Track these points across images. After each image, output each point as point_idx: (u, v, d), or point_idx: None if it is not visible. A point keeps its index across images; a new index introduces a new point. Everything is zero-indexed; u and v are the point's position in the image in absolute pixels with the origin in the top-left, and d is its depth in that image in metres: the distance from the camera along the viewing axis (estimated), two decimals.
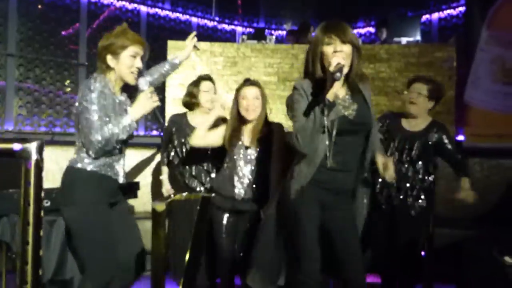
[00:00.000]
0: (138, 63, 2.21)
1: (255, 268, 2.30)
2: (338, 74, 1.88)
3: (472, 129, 5.54)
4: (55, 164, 4.09)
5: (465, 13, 6.29)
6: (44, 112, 5.99)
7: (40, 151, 1.02)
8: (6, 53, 5.60)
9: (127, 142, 2.25)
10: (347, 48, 1.98)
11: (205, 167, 3.12)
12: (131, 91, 2.32)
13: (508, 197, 4.13)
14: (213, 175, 3.10)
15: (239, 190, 2.68)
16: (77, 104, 2.14)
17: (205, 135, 2.70)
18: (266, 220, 2.36)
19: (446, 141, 2.91)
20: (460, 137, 5.57)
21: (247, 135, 2.75)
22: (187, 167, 3.14)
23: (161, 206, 1.56)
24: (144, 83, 2.18)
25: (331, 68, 1.92)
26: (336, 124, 2.00)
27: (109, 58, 2.17)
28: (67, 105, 6.17)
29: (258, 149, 2.73)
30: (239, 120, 2.74)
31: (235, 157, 2.72)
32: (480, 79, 5.53)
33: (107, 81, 2.17)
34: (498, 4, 5.49)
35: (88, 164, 2.11)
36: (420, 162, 2.88)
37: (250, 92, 2.73)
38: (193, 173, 3.11)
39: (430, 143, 2.89)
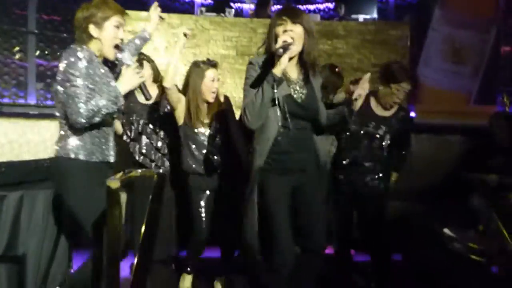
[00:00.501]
0: (121, 34, 2.15)
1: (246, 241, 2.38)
2: (280, 50, 1.96)
3: (422, 106, 5.77)
4: (3, 137, 3.96)
5: None
6: None
7: None
8: None
9: (113, 116, 2.19)
10: (297, 29, 2.07)
11: (155, 145, 3.16)
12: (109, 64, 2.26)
13: (454, 172, 4.35)
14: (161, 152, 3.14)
15: (210, 167, 2.76)
16: (60, 74, 2.06)
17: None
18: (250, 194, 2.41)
19: (403, 131, 2.91)
20: (412, 114, 5.80)
21: (207, 113, 2.80)
22: (137, 145, 3.16)
23: (115, 183, 1.57)
24: (128, 57, 2.13)
25: (277, 45, 2.00)
26: (285, 103, 2.07)
27: (92, 28, 2.11)
28: (15, 75, 5.89)
29: (218, 125, 2.79)
30: (202, 100, 2.78)
31: (200, 136, 2.77)
32: (431, 58, 5.74)
33: (91, 51, 2.12)
34: None
35: (78, 152, 2.11)
36: (386, 147, 2.87)
37: (214, 73, 2.79)
38: (143, 151, 3.14)
39: (396, 128, 2.88)
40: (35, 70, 5.96)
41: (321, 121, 2.21)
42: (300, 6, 7.65)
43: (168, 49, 5.28)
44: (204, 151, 2.77)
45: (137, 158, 3.17)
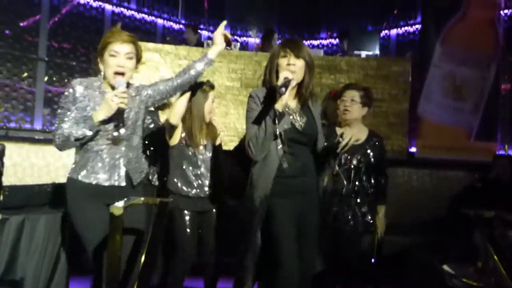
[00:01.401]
0: (121, 61, 2.12)
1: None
2: (283, 89, 2.04)
3: (423, 141, 5.80)
4: (7, 160, 4.00)
5: (421, 31, 6.58)
6: None
7: (0, 155, 1.03)
8: None
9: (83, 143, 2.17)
10: (299, 63, 2.17)
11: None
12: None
13: (454, 208, 4.35)
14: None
15: (200, 189, 2.76)
16: None
17: (181, 111, 2.70)
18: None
19: (379, 158, 2.88)
20: (413, 149, 5.83)
21: (204, 136, 2.83)
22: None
23: (118, 210, 1.59)
24: (121, 82, 2.10)
25: (279, 82, 2.09)
26: (286, 131, 2.16)
27: (99, 62, 2.19)
28: (23, 100, 6.00)
29: (212, 148, 2.83)
30: (202, 121, 2.82)
31: (198, 157, 2.78)
32: (432, 94, 5.81)
33: (93, 80, 2.19)
34: (451, 22, 5.79)
35: (75, 172, 2.18)
36: (364, 177, 2.84)
37: (213, 96, 2.86)
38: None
39: (371, 155, 2.84)
40: (43, 96, 6.08)
41: (318, 147, 2.31)
42: (304, 42, 7.83)
43: None
44: (198, 172, 2.78)
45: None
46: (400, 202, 4.57)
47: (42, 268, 2.90)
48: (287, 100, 2.15)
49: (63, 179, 2.37)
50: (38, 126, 5.94)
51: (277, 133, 2.11)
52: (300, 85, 2.23)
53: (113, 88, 2.16)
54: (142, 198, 1.89)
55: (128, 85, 2.24)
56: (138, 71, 2.31)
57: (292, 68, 2.15)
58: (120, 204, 1.62)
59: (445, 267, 2.41)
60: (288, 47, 2.19)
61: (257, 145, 2.11)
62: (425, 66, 5.88)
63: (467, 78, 5.61)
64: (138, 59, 2.24)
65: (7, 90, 5.87)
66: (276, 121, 2.08)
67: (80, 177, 2.14)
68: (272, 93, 2.15)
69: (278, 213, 2.17)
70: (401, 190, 4.74)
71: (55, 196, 3.15)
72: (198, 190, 2.77)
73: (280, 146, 2.15)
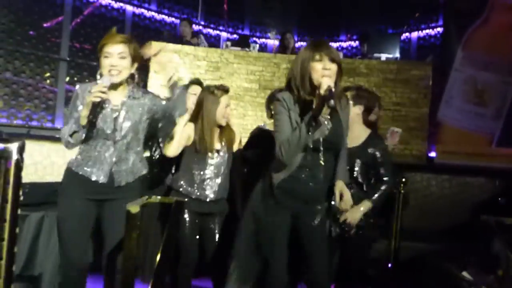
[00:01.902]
0: (114, 61, 2.22)
1: (232, 269, 2.39)
2: (331, 102, 1.94)
3: (443, 146, 5.72)
4: (29, 158, 4.08)
5: (443, 34, 6.49)
6: (22, 105, 5.92)
7: (20, 151, 1.06)
8: None
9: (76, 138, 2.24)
10: (334, 67, 2.08)
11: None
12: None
13: (474, 215, 4.27)
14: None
15: (209, 192, 2.75)
16: None
17: (179, 145, 2.70)
18: (245, 221, 2.43)
19: (378, 161, 2.72)
20: (432, 154, 5.74)
21: (217, 139, 2.82)
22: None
23: (135, 208, 1.60)
24: (104, 79, 2.18)
25: (322, 91, 1.98)
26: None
27: (100, 66, 2.29)
28: (45, 99, 6.12)
29: (226, 152, 2.81)
30: (216, 125, 2.80)
31: (207, 160, 2.76)
32: (453, 98, 5.71)
33: (94, 84, 2.26)
34: (473, 26, 5.70)
35: (71, 162, 2.31)
36: (364, 181, 2.73)
37: (227, 100, 2.82)
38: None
39: (370, 158, 2.71)
40: (64, 96, 6.18)
41: (341, 153, 2.24)
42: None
43: None
44: (205, 176, 2.77)
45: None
46: (419, 208, 4.51)
47: (59, 265, 2.93)
48: (314, 105, 2.07)
49: None
50: (59, 125, 6.04)
51: (311, 142, 2.07)
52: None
53: (113, 87, 2.26)
54: (159, 197, 1.90)
55: (131, 90, 2.34)
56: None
57: (327, 73, 2.05)
58: (136, 202, 1.63)
59: (465, 274, 2.36)
60: (322, 50, 2.08)
61: (290, 150, 2.06)
62: (446, 70, 5.80)
63: (489, 83, 5.51)
64: (134, 59, 2.29)
65: (30, 90, 6.00)
66: (311, 130, 2.03)
67: (73, 167, 2.28)
68: (301, 99, 2.10)
69: (275, 216, 2.18)
70: (419, 195, 4.67)
71: None
72: (201, 193, 2.74)
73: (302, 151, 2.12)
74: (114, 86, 2.25)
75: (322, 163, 2.14)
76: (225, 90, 2.82)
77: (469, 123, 5.61)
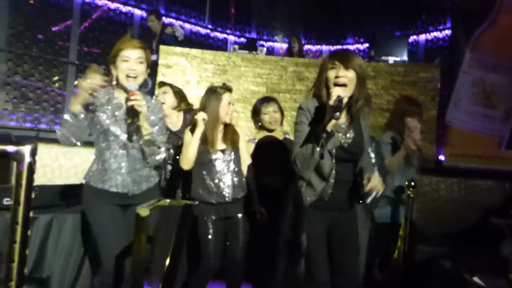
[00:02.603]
0: (133, 66, 2.24)
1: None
2: (337, 114, 1.89)
3: (452, 149, 5.67)
4: (38, 161, 4.09)
5: (451, 36, 6.46)
6: (30, 108, 5.96)
7: (33, 154, 1.06)
8: None
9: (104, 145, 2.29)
10: (350, 74, 2.03)
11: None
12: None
13: (483, 218, 4.24)
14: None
15: (220, 196, 2.75)
16: None
17: (194, 155, 2.72)
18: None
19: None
20: (441, 157, 5.70)
21: (221, 139, 2.81)
22: (162, 171, 3.19)
23: (145, 211, 1.61)
24: (133, 85, 2.21)
25: (331, 102, 1.94)
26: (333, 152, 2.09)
27: (112, 69, 2.29)
28: (54, 102, 6.16)
29: (231, 152, 2.80)
30: (219, 122, 2.80)
31: (212, 164, 2.76)
32: (462, 101, 5.68)
33: (106, 92, 2.28)
34: (481, 28, 5.66)
35: (88, 177, 2.31)
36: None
37: (230, 97, 2.82)
38: (167, 177, 3.16)
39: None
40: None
41: (361, 161, 2.21)
42: (330, 47, 7.80)
43: (200, 83, 5.43)
44: (216, 179, 2.76)
45: (161, 184, 3.18)
46: (427, 211, 4.48)
47: (68, 267, 2.93)
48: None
49: None
50: None
51: (324, 152, 2.04)
52: (350, 98, 2.07)
53: (126, 91, 2.26)
54: (168, 200, 1.91)
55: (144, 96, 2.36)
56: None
57: (341, 81, 2.01)
58: (146, 205, 1.64)
59: (476, 279, 2.34)
60: (336, 58, 2.05)
61: (304, 164, 2.04)
62: (454, 72, 5.77)
63: (498, 84, 5.47)
64: (148, 65, 2.33)
65: (39, 93, 6.05)
66: (324, 142, 1.98)
67: (90, 182, 2.29)
68: (322, 109, 2.05)
69: (313, 226, 2.17)
70: (428, 198, 4.64)
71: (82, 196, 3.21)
72: (219, 197, 2.75)
73: (327, 163, 2.11)
74: (128, 91, 2.25)
75: (344, 173, 2.14)
76: (227, 88, 2.84)
77: (478, 126, 5.56)
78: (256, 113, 3.23)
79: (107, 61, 2.34)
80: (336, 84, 2.02)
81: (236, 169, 2.81)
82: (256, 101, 3.30)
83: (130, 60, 2.24)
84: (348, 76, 2.02)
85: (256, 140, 3.17)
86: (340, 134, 2.10)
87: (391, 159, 3.00)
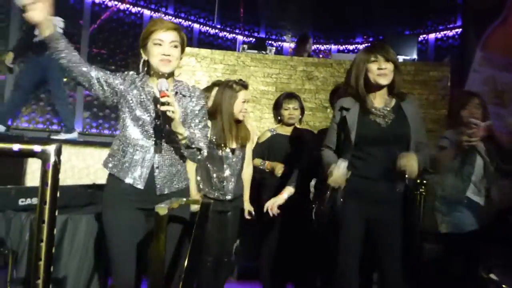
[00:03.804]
0: (166, 50, 1.98)
1: None
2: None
3: None
4: None
5: (461, 35, 6.42)
6: (42, 109, 6.01)
7: (58, 153, 1.08)
8: (7, 49, 5.62)
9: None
10: (390, 66, 2.22)
11: None
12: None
13: (496, 215, 4.19)
14: None
15: (227, 192, 2.77)
16: None
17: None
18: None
19: None
20: None
21: (234, 138, 2.81)
22: None
23: (163, 210, 1.61)
24: (164, 84, 1.91)
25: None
26: (367, 128, 2.21)
27: (142, 53, 2.06)
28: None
29: (240, 151, 2.82)
30: (233, 120, 2.80)
31: (224, 160, 2.77)
32: None
33: (135, 77, 2.07)
34: (492, 26, 5.62)
35: (111, 166, 2.07)
36: None
37: (245, 95, 2.81)
38: None
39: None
40: (83, 100, 6.25)
41: (411, 148, 2.22)
42: (339, 46, 7.78)
43: (209, 83, 5.44)
44: (222, 176, 2.76)
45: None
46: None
47: (83, 267, 2.96)
48: (374, 100, 2.25)
49: (101, 181, 2.39)
50: (78, 129, 6.11)
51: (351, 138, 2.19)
52: (390, 86, 2.27)
53: (160, 78, 2.02)
54: (184, 199, 1.91)
55: (177, 84, 2.13)
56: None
57: (384, 72, 2.20)
58: (164, 204, 1.65)
59: (492, 276, 2.33)
60: (377, 51, 2.23)
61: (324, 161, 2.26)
62: (464, 71, 5.73)
63: (509, 83, 5.42)
64: (183, 49, 2.08)
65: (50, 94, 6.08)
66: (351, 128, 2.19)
67: (113, 171, 2.05)
68: (361, 99, 2.25)
69: (346, 215, 2.22)
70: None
71: (95, 196, 3.23)
72: (219, 194, 2.76)
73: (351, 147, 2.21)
74: (163, 77, 2.00)
75: (387, 158, 2.18)
76: (243, 85, 2.83)
77: None
78: (277, 107, 3.29)
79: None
80: (379, 75, 2.22)
81: (241, 169, 2.84)
82: (280, 96, 3.36)
83: (164, 44, 1.98)
84: (388, 67, 2.21)
85: (275, 132, 3.24)
86: (376, 116, 2.24)
87: (438, 153, 2.79)
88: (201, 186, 2.78)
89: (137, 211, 2.03)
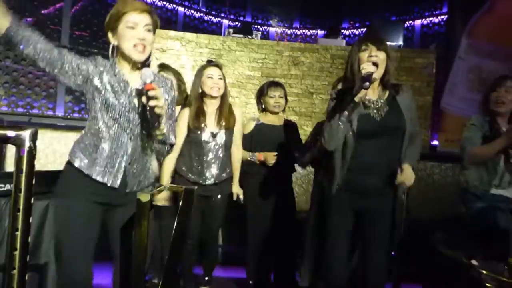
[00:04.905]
0: (140, 34, 1.80)
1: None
2: (367, 84, 2.00)
3: (446, 135, 5.70)
4: None
5: (447, 21, 6.43)
6: (22, 93, 5.87)
7: (33, 138, 1.03)
8: None
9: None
10: (381, 55, 2.14)
11: None
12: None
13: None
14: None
15: (208, 176, 2.74)
16: None
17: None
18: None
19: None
20: (434, 142, 5.73)
21: (212, 119, 2.78)
22: None
23: (145, 196, 1.58)
24: (148, 75, 1.73)
25: (362, 72, 2.05)
26: (361, 122, 2.14)
27: (110, 36, 1.85)
28: (46, 87, 6.06)
29: (224, 135, 2.79)
30: (202, 101, 2.78)
31: (202, 145, 2.74)
32: (457, 87, 5.69)
33: (106, 62, 1.87)
34: (478, 14, 5.64)
35: (75, 158, 1.85)
36: None
37: (213, 71, 2.78)
38: None
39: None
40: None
41: (405, 141, 2.22)
42: (326, 31, 7.75)
43: (194, 68, 5.37)
44: (203, 160, 2.74)
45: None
46: (422, 196, 4.51)
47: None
48: (368, 92, 2.15)
49: None
50: (60, 113, 6.00)
51: (350, 121, 2.12)
52: (382, 77, 2.19)
53: (134, 65, 1.87)
54: (168, 186, 1.87)
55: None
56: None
57: (374, 59, 2.11)
58: (147, 191, 1.61)
59: (474, 262, 2.36)
60: (369, 40, 2.18)
61: (331, 133, 2.12)
62: (450, 58, 5.76)
63: (493, 71, 5.46)
64: (154, 33, 1.90)
65: (31, 77, 5.94)
66: (350, 111, 2.09)
67: (75, 163, 1.83)
68: (352, 84, 2.14)
69: (337, 209, 2.21)
70: (422, 183, 4.67)
71: None
72: (200, 178, 2.75)
73: (352, 137, 2.14)
74: (136, 65, 1.86)
75: (379, 150, 2.16)
76: (210, 62, 2.84)
77: (473, 112, 5.54)
78: (261, 95, 3.23)
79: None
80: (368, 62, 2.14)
81: (225, 153, 2.80)
82: (264, 84, 3.30)
83: (138, 27, 1.80)
84: (380, 56, 2.13)
85: (261, 121, 3.19)
86: (370, 108, 2.17)
87: (482, 147, 2.66)
88: (182, 168, 2.77)
89: (95, 204, 1.84)
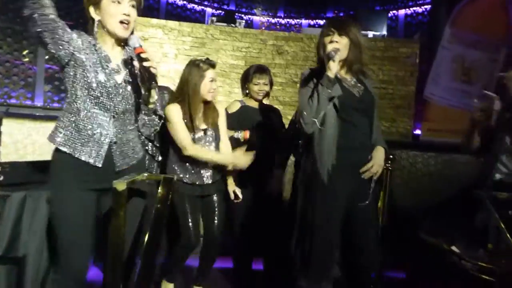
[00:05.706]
0: (125, 9, 1.76)
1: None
2: (332, 53, 2.09)
3: (429, 124, 5.74)
4: (8, 137, 3.95)
5: (431, 11, 6.45)
6: (0, 82, 5.73)
7: None
8: None
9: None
10: (343, 40, 2.17)
11: (150, 153, 2.99)
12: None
13: (460, 191, 4.30)
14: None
15: (197, 176, 2.68)
16: None
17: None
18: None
19: None
20: (417, 131, 5.76)
21: (203, 118, 2.73)
22: None
23: (122, 185, 1.54)
24: (136, 40, 1.76)
25: (327, 50, 2.13)
26: (342, 98, 2.15)
27: (92, 11, 1.79)
28: (24, 76, 5.92)
29: (213, 132, 2.73)
30: (201, 100, 2.70)
31: (197, 142, 2.68)
32: (440, 76, 5.72)
33: (87, 37, 1.80)
34: (462, 4, 5.66)
35: (59, 141, 1.80)
36: None
37: (213, 74, 2.70)
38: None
39: None
40: (44, 73, 6.00)
41: (375, 124, 2.27)
42: (310, 21, 7.72)
43: (177, 56, 5.30)
44: (197, 161, 2.67)
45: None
46: (404, 185, 4.54)
47: (44, 246, 2.86)
48: (338, 71, 2.17)
49: None
50: (39, 103, 5.88)
51: (332, 97, 2.12)
52: (350, 64, 2.23)
53: (117, 42, 1.82)
54: (146, 174, 1.83)
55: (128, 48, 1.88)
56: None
57: (334, 45, 2.15)
58: (123, 179, 1.57)
59: (454, 248, 2.38)
60: (332, 26, 2.21)
61: (311, 112, 2.12)
62: (433, 48, 5.78)
63: (477, 60, 5.51)
64: (138, 11, 1.86)
65: (8, 66, 5.80)
66: (330, 86, 2.11)
67: (63, 147, 1.79)
68: (322, 68, 2.17)
69: (335, 188, 2.17)
70: (405, 172, 4.70)
71: None
72: (197, 179, 2.69)
73: (335, 115, 2.15)
74: (119, 42, 1.81)
75: (360, 128, 2.19)
76: (211, 64, 2.71)
77: (456, 101, 5.62)
78: (246, 80, 3.14)
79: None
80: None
81: (216, 150, 2.75)
82: (250, 68, 3.19)
83: (123, 2, 1.76)
84: (341, 41, 2.16)
85: (245, 104, 3.13)
86: (347, 85, 2.21)
87: None
88: (176, 168, 2.68)
89: (90, 192, 1.81)
